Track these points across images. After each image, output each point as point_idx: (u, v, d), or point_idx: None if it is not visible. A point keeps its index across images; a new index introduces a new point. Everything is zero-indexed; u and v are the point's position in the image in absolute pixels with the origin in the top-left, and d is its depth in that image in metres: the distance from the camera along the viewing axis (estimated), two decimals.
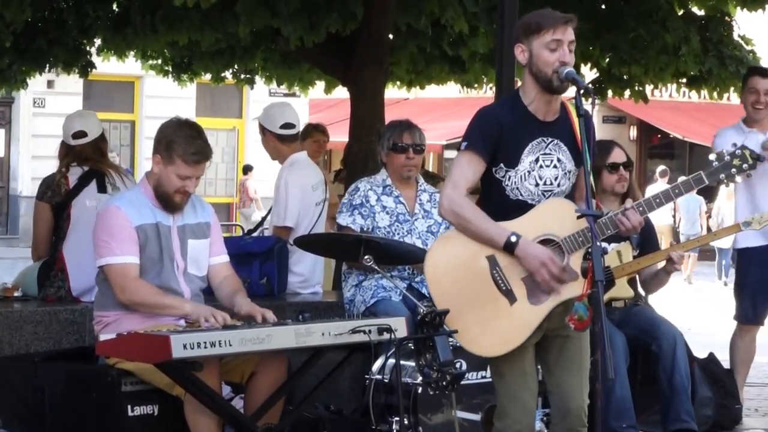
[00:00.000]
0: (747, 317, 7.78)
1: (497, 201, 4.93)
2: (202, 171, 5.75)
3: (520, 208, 4.90)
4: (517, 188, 4.91)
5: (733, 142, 7.49)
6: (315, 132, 10.24)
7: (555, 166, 4.93)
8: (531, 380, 5.03)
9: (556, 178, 4.94)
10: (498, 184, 4.92)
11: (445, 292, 4.95)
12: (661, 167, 24.96)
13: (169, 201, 5.72)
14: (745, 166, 4.95)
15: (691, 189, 5.00)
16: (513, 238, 4.80)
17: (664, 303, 9.57)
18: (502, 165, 4.90)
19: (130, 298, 5.60)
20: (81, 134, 6.99)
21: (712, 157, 4.99)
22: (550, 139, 4.93)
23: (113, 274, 5.63)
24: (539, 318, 4.86)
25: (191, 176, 5.70)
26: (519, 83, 5.17)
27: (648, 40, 10.16)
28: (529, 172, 4.91)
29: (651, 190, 22.71)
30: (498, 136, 4.88)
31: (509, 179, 4.91)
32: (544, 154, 4.93)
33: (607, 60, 10.80)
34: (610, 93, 11.35)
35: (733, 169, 4.94)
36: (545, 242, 4.85)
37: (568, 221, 4.81)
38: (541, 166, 4.92)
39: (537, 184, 4.92)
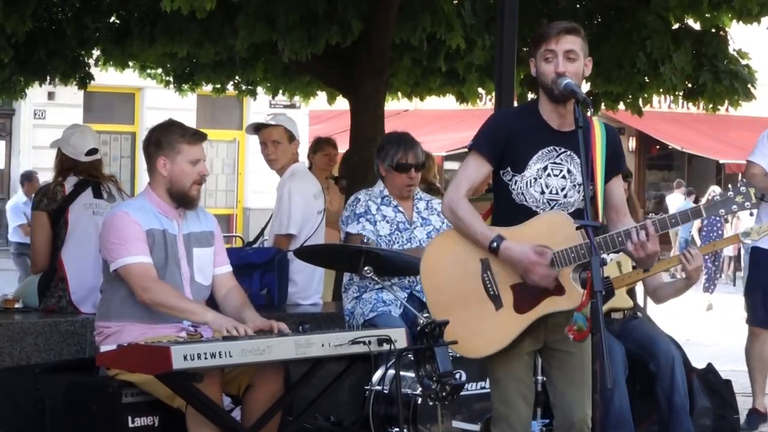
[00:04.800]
0: (757, 319, 7.79)
1: (504, 204, 5.00)
2: (205, 154, 5.80)
3: (524, 213, 4.94)
4: (522, 194, 4.95)
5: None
6: (326, 145, 10.30)
7: (563, 177, 4.95)
8: (525, 388, 5.07)
9: (563, 189, 4.96)
10: (505, 187, 4.98)
11: (437, 288, 5.06)
12: (677, 180, 25.38)
13: (186, 197, 5.72)
14: (747, 204, 4.79)
15: (688, 220, 4.90)
16: (494, 244, 4.87)
17: (663, 314, 9.58)
18: (509, 169, 4.97)
19: (153, 298, 5.54)
20: (93, 152, 7.07)
21: (717, 190, 4.91)
22: (562, 149, 4.95)
23: (133, 274, 5.57)
24: (522, 327, 4.90)
25: (200, 158, 5.73)
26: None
27: (626, 58, 10.16)
28: (535, 179, 4.94)
29: (669, 200, 23.35)
30: (504, 141, 4.95)
31: (515, 184, 4.96)
32: (554, 163, 4.95)
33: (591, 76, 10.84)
34: (603, 106, 11.37)
35: (734, 206, 4.78)
36: None
37: (562, 235, 4.83)
38: (549, 175, 4.95)
39: (542, 192, 4.95)
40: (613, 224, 5.02)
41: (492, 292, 4.93)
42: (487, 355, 5.02)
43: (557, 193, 4.96)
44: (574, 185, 4.97)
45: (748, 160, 7.73)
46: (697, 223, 22.07)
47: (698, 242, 21.60)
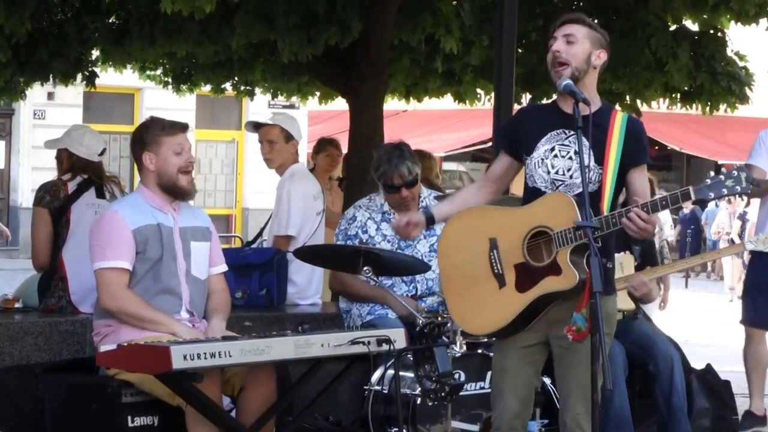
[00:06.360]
0: (748, 319, 7.81)
1: (526, 186, 5.14)
2: (189, 143, 5.85)
3: (536, 194, 5.03)
4: (533, 175, 5.05)
5: None
6: (328, 146, 10.30)
7: (570, 158, 4.99)
8: (515, 379, 5.07)
9: (569, 170, 5.00)
10: (525, 170, 5.14)
11: (449, 265, 5.17)
12: None
13: (175, 187, 5.75)
14: (738, 188, 4.74)
15: (678, 203, 4.85)
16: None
17: (662, 314, 9.59)
18: (524, 154, 5.10)
19: (120, 307, 5.57)
20: (103, 152, 7.14)
21: (711, 173, 4.90)
22: (571, 132, 5.00)
23: (104, 279, 5.60)
24: (521, 306, 4.93)
25: (184, 146, 5.78)
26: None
27: (632, 55, 10.17)
28: (542, 159, 5.02)
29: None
30: (516, 127, 5.17)
31: (528, 166, 5.08)
32: (562, 144, 5.02)
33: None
34: None
35: (724, 189, 4.74)
36: (539, 234, 4.92)
37: (564, 216, 4.85)
38: (555, 156, 5.01)
39: (548, 172, 5.01)
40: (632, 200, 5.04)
41: (497, 271, 5.00)
42: (489, 333, 5.12)
43: (563, 174, 5.00)
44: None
45: (748, 163, 7.70)
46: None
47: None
